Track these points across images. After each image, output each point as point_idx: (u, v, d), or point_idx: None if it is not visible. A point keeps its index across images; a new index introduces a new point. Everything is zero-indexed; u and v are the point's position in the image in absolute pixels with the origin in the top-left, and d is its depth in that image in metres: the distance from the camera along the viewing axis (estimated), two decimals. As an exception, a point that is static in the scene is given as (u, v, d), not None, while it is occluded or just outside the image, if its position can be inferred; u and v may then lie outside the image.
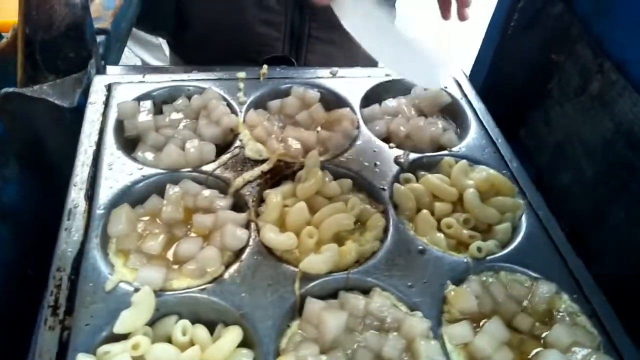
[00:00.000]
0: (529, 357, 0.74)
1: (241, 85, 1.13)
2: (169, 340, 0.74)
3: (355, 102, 1.13)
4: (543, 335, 0.76)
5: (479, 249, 0.85)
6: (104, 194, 0.90)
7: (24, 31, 1.21)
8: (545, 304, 0.79)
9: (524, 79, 1.35)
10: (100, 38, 1.32)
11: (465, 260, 0.84)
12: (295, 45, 1.42)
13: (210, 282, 0.79)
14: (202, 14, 1.42)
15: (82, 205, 0.89)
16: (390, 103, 1.13)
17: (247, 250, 0.84)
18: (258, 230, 0.86)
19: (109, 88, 1.12)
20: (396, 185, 0.94)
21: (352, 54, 1.43)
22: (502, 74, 1.37)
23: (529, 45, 1.29)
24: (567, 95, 1.19)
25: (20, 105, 1.21)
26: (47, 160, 1.31)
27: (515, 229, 0.91)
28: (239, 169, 0.97)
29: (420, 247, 0.86)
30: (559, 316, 0.78)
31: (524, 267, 0.84)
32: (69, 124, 1.24)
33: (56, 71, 1.26)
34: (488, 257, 0.85)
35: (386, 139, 1.06)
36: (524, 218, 0.92)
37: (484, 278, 0.82)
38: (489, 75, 1.38)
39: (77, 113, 1.18)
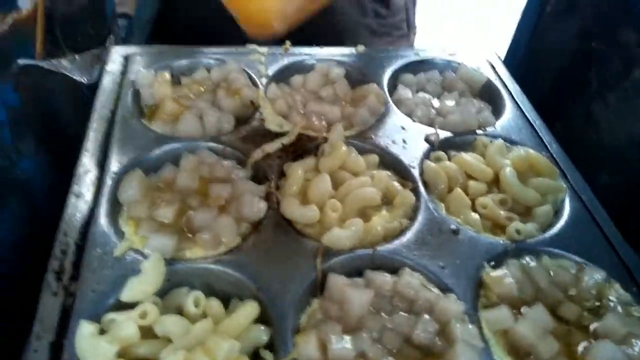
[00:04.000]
0: (577, 349, 0.66)
1: (262, 59, 1.08)
2: (179, 313, 0.68)
3: (382, 80, 1.07)
4: (592, 326, 0.68)
5: (518, 231, 0.78)
6: (117, 162, 0.85)
7: (45, 4, 1.18)
8: (593, 292, 0.71)
9: (561, 68, 1.28)
10: (122, 22, 1.29)
11: (502, 242, 0.77)
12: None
13: (225, 254, 0.73)
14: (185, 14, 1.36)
15: (93, 171, 0.84)
16: (421, 81, 1.07)
17: (265, 222, 0.78)
18: (278, 203, 0.80)
19: (126, 58, 1.08)
20: (427, 162, 0.87)
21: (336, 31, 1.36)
22: (537, 62, 1.30)
23: (566, 32, 1.22)
24: (608, 84, 1.11)
25: (38, 79, 1.17)
26: (63, 137, 1.27)
27: (556, 213, 0.83)
28: (259, 141, 0.91)
29: (453, 227, 0.79)
30: (610, 305, 0.70)
31: (568, 252, 0.76)
32: (86, 100, 1.21)
33: (75, 47, 1.22)
34: (528, 240, 0.77)
35: (416, 118, 0.99)
36: (566, 202, 0.84)
37: (524, 262, 0.75)
38: (523, 63, 1.31)
39: (96, 89, 1.15)
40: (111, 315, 0.64)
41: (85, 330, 0.61)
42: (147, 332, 0.64)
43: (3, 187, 1.09)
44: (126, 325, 0.62)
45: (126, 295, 0.66)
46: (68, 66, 1.22)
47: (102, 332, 0.63)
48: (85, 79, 1.20)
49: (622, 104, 1.06)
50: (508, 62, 1.30)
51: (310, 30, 1.13)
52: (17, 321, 0.96)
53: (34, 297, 0.79)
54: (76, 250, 0.73)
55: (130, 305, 0.66)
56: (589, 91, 1.18)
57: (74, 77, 1.20)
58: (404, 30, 1.40)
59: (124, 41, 1.25)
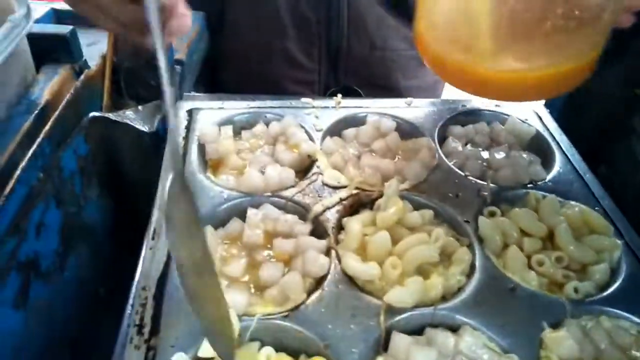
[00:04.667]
0: (640, 413, 0.67)
1: (317, 112, 1.14)
2: (251, 368, 0.72)
3: (432, 132, 1.11)
4: (653, 388, 0.69)
5: (576, 290, 0.79)
6: (187, 216, 0.91)
7: (112, 60, 1.28)
8: (654, 354, 0.72)
9: (603, 114, 1.29)
10: (177, 69, 1.37)
11: (561, 300, 0.79)
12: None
13: (292, 310, 0.77)
14: (233, 67, 1.42)
15: (165, 227, 0.90)
16: (469, 133, 1.10)
17: (329, 278, 0.82)
18: (339, 258, 0.84)
19: (190, 113, 1.16)
20: (482, 218, 0.90)
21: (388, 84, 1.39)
22: (579, 108, 1.32)
23: (609, 79, 1.24)
24: (652, 128, 1.13)
25: (105, 129, 1.27)
26: (125, 181, 1.36)
27: (613, 271, 0.85)
28: (318, 195, 0.96)
29: (511, 285, 0.81)
30: (672, 368, 0.70)
31: (627, 312, 0.77)
32: (147, 147, 1.29)
33: (137, 98, 1.32)
34: (587, 299, 0.79)
35: (467, 171, 1.03)
36: (622, 259, 0.86)
37: (584, 323, 0.76)
38: (564, 110, 1.33)
39: (156, 137, 1.23)
40: (192, 371, 0.69)
41: (171, 386, 0.65)
42: (223, 387, 0.68)
43: (72, 233, 1.17)
44: (207, 382, 0.66)
45: (204, 352, 0.71)
46: (132, 116, 1.31)
47: (185, 386, 0.68)
48: (147, 128, 1.29)
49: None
50: (551, 108, 1.32)
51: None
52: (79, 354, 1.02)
53: (90, 339, 0.85)
54: (154, 304, 0.79)
55: (206, 360, 0.71)
56: (634, 136, 1.19)
57: (137, 127, 1.29)
58: None
59: (179, 87, 1.34)
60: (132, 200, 1.34)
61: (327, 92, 1.33)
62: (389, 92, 1.35)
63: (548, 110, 1.24)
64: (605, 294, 0.80)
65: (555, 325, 0.76)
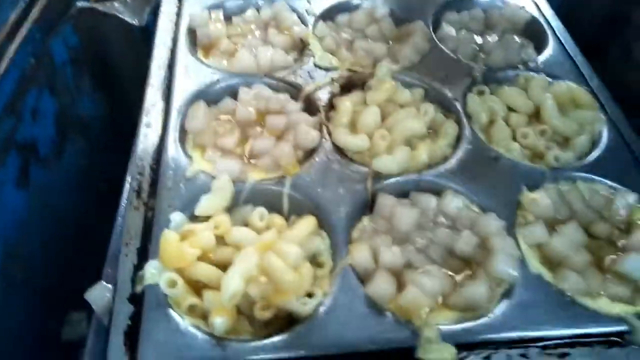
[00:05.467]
0: (606, 261, 0.73)
1: (310, -2, 1.12)
2: (246, 227, 0.77)
3: (427, 18, 1.09)
4: (621, 242, 0.74)
5: (556, 158, 0.83)
6: (180, 94, 0.92)
7: (97, -54, 1.23)
8: (624, 212, 0.76)
9: (601, 6, 1.27)
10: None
11: (541, 168, 0.82)
12: None
13: (284, 176, 0.81)
14: None
15: (159, 103, 0.92)
16: (464, 19, 1.09)
17: (319, 150, 0.85)
18: (329, 133, 0.87)
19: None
20: (470, 95, 0.92)
21: None
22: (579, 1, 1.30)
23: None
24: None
25: (94, 21, 1.25)
26: (118, 76, 1.36)
27: (594, 143, 0.87)
28: (310, 76, 0.97)
29: (495, 155, 0.84)
30: (639, 224, 0.75)
31: (603, 178, 0.81)
32: (138, 41, 1.27)
33: (126, -11, 1.27)
34: (565, 167, 0.82)
35: (460, 55, 1.03)
36: (604, 132, 0.88)
37: (561, 186, 0.80)
38: (564, 2, 1.30)
39: (146, 31, 1.21)
40: (189, 226, 0.73)
41: (169, 237, 0.70)
42: (219, 242, 0.73)
43: (68, 122, 1.19)
44: (205, 234, 0.71)
45: (200, 210, 0.75)
46: (121, 8, 1.28)
47: (182, 239, 0.72)
48: (137, 21, 1.26)
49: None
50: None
51: None
52: (84, 240, 1.08)
53: (99, 220, 0.89)
54: (151, 172, 0.82)
55: (203, 220, 0.75)
56: (628, 29, 1.18)
57: (126, 19, 1.26)
58: None
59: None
60: (125, 95, 1.35)
61: None
62: None
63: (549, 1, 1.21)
64: (584, 162, 0.84)
65: (534, 190, 0.80)
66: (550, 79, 0.96)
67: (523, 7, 1.13)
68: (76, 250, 1.11)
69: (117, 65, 1.34)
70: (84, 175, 1.24)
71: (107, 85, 1.34)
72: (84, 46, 1.25)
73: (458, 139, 0.87)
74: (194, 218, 0.76)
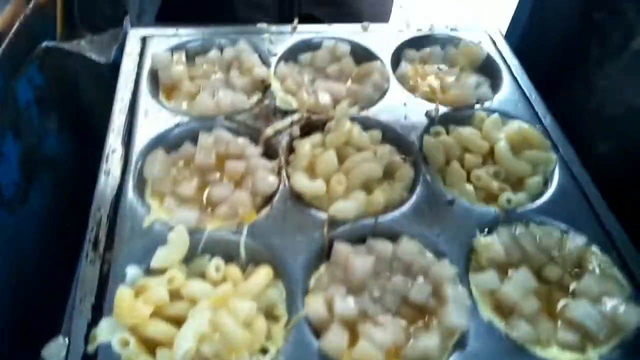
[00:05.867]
0: (557, 306, 0.74)
1: (272, 38, 1.13)
2: (202, 278, 0.77)
3: (386, 56, 1.11)
4: (572, 286, 0.76)
5: (509, 201, 0.84)
6: (140, 140, 0.92)
7: (63, -13, 1.23)
8: (575, 255, 0.78)
9: (562, 39, 1.30)
10: (134, -2, 1.33)
11: (494, 210, 0.84)
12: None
13: (240, 225, 0.81)
14: None
15: (119, 150, 0.92)
16: (424, 57, 1.11)
17: (277, 195, 0.85)
18: (288, 178, 0.88)
19: (143, 40, 1.14)
20: (426, 137, 0.93)
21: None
22: (538, 34, 1.32)
23: (568, 4, 1.24)
24: (607, 54, 1.15)
25: (60, 60, 1.24)
26: (86, 113, 1.35)
27: (547, 183, 0.90)
28: (270, 119, 0.98)
29: (450, 198, 0.86)
30: (589, 267, 0.77)
31: (554, 219, 0.83)
32: (105, 78, 1.27)
33: (93, 28, 1.28)
34: (518, 209, 0.84)
35: (418, 94, 1.05)
36: (556, 172, 0.91)
37: (514, 229, 0.82)
38: (525, 35, 1.33)
39: (114, 68, 1.21)
40: (143, 281, 0.73)
41: (123, 294, 0.70)
42: (174, 295, 0.73)
43: (33, 163, 1.18)
44: (158, 289, 0.71)
45: (155, 263, 0.75)
46: (87, 47, 1.28)
47: (137, 295, 0.72)
48: (103, 59, 1.27)
49: (621, 75, 1.10)
50: (510, 34, 1.33)
51: None
52: (52, 284, 1.07)
53: (67, 261, 0.88)
54: (108, 222, 0.82)
55: (158, 272, 0.75)
56: (589, 61, 1.21)
57: (93, 58, 1.27)
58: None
59: (138, 18, 1.30)
60: (93, 131, 1.34)
61: (282, 17, 1.32)
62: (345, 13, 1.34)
63: (507, 38, 1.24)
64: (535, 203, 0.86)
65: (488, 233, 0.81)
66: (504, 118, 0.98)
67: (480, 42, 1.16)
68: (41, 297, 1.09)
69: (83, 103, 1.34)
70: (51, 214, 1.23)
71: (74, 123, 1.34)
72: (49, 85, 1.25)
73: (414, 181, 0.88)
74: (151, 271, 0.76)
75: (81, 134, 1.35)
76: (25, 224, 1.13)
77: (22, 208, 1.12)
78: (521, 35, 1.32)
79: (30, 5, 1.16)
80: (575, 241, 0.79)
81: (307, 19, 1.27)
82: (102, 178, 0.88)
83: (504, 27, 1.31)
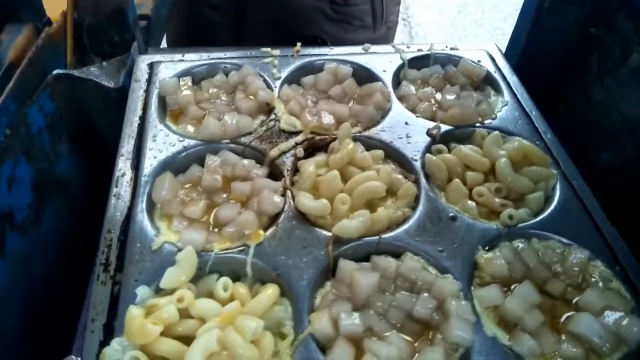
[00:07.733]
0: (560, 320, 0.75)
1: (275, 62, 1.17)
2: (210, 297, 0.78)
3: (387, 77, 1.14)
4: (575, 300, 0.77)
5: (511, 217, 0.86)
6: (148, 164, 0.95)
7: (73, 16, 1.28)
8: (577, 269, 0.79)
9: (561, 55, 1.33)
10: (142, 23, 1.38)
11: (496, 227, 0.85)
12: (238, 31, 1.44)
13: (247, 244, 0.83)
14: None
15: (128, 173, 0.95)
16: (424, 76, 1.14)
17: (283, 215, 0.87)
18: (293, 198, 0.90)
19: (151, 66, 1.18)
20: (428, 155, 0.95)
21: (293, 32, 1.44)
22: (539, 50, 1.35)
23: (567, 20, 1.27)
24: (606, 69, 1.17)
25: (70, 86, 1.28)
26: (96, 137, 1.39)
27: (548, 199, 0.91)
28: (274, 140, 1.00)
29: (452, 214, 0.87)
30: (592, 281, 0.78)
31: (556, 234, 0.84)
32: (114, 102, 1.31)
33: (102, 54, 1.33)
34: (520, 225, 0.85)
35: (419, 113, 1.07)
36: (557, 188, 0.92)
37: (516, 245, 0.83)
38: (525, 51, 1.36)
39: (122, 92, 1.25)
40: (153, 301, 0.75)
41: (134, 314, 0.71)
42: (184, 314, 0.75)
43: (45, 187, 1.21)
44: (167, 309, 0.72)
45: (164, 283, 0.77)
46: (97, 72, 1.32)
47: (147, 314, 0.74)
48: (113, 84, 1.31)
49: (619, 89, 1.12)
50: (511, 51, 1.36)
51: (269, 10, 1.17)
52: (63, 304, 1.09)
53: (78, 281, 0.90)
54: (119, 245, 0.84)
55: (168, 292, 0.77)
56: (589, 76, 1.23)
57: (103, 83, 1.31)
58: (366, 21, 1.47)
59: (145, 42, 1.35)
60: (104, 154, 1.38)
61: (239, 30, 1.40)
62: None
63: (507, 54, 1.27)
64: (537, 219, 0.87)
65: (490, 249, 0.83)
66: (505, 135, 1.00)
67: (479, 61, 1.19)
68: (53, 317, 1.11)
69: (94, 127, 1.37)
70: (63, 236, 1.25)
71: (84, 147, 1.37)
72: (61, 111, 1.29)
73: (417, 198, 0.90)
74: (160, 291, 0.78)
75: (92, 157, 1.38)
76: (38, 246, 1.15)
77: (34, 230, 1.15)
78: (521, 53, 1.35)
79: (42, 35, 1.20)
80: (578, 255, 0.80)
81: (312, 42, 1.31)
82: (112, 201, 0.90)
83: (503, 40, 1.34)
